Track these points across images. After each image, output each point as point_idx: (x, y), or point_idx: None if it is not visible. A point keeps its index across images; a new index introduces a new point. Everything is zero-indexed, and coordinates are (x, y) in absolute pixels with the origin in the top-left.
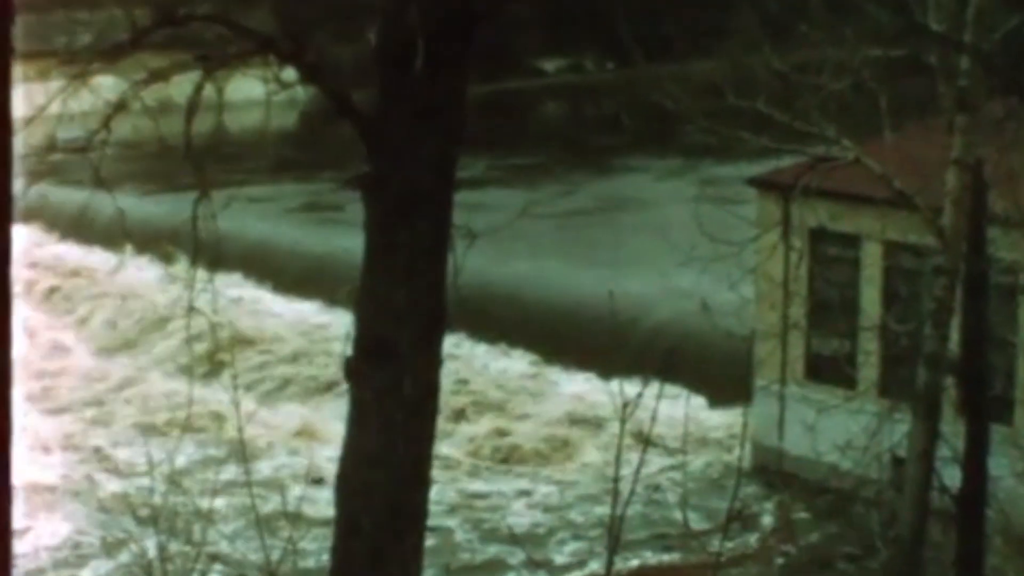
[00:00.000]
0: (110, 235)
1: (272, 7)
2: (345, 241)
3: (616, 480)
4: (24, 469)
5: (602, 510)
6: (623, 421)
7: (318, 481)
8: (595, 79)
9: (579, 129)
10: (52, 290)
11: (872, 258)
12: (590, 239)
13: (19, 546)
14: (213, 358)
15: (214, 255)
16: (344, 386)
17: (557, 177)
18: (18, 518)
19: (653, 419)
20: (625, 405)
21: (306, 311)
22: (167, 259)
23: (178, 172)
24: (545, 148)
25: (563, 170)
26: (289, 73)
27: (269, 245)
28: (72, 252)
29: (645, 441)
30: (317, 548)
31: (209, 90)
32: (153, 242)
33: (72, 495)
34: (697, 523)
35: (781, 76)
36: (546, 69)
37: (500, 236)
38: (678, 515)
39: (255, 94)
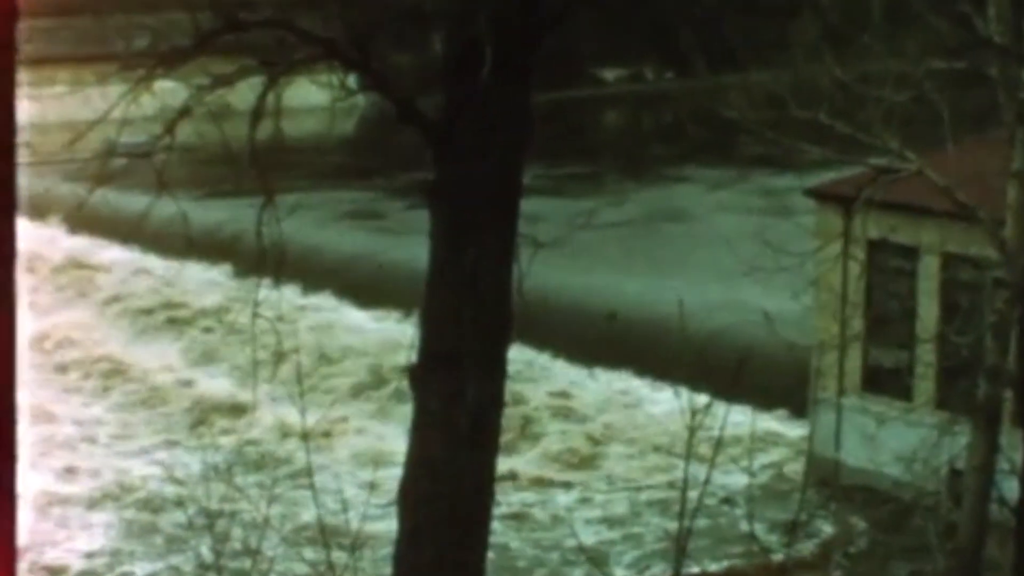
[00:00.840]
0: (162, 240)
1: (338, 13)
2: (393, 250)
3: (684, 490)
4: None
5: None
6: (692, 430)
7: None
8: (654, 89)
9: (635, 139)
10: (112, 296)
11: (930, 270)
12: (637, 250)
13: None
14: (278, 364)
15: (278, 260)
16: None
17: (606, 187)
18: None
19: (722, 430)
20: (694, 414)
21: (361, 318)
22: (227, 264)
23: (231, 177)
24: (598, 158)
25: (613, 180)
26: (348, 78)
27: (323, 252)
28: (128, 256)
29: (713, 452)
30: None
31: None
32: (209, 247)
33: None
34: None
35: (843, 87)
36: (606, 78)
37: (550, 246)
38: (732, 524)
39: (312, 100)
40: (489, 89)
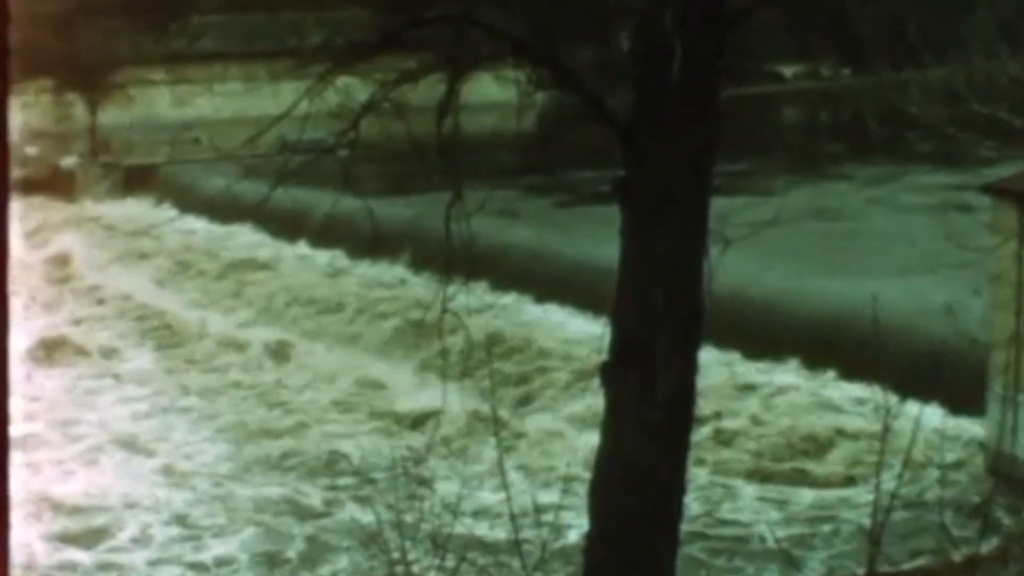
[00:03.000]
0: (334, 235)
1: (523, 9)
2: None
3: (877, 485)
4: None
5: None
6: (885, 428)
7: None
8: (831, 85)
9: (802, 136)
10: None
11: None
12: (802, 247)
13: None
14: (467, 363)
15: (469, 258)
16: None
17: (757, 185)
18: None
19: (916, 426)
20: (887, 411)
21: (544, 314)
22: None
23: (400, 174)
24: (759, 155)
25: (765, 177)
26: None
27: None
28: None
29: (907, 449)
30: None
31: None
32: (386, 245)
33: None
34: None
35: (1017, 82)
36: (784, 75)
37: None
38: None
39: (491, 95)
40: (678, 85)
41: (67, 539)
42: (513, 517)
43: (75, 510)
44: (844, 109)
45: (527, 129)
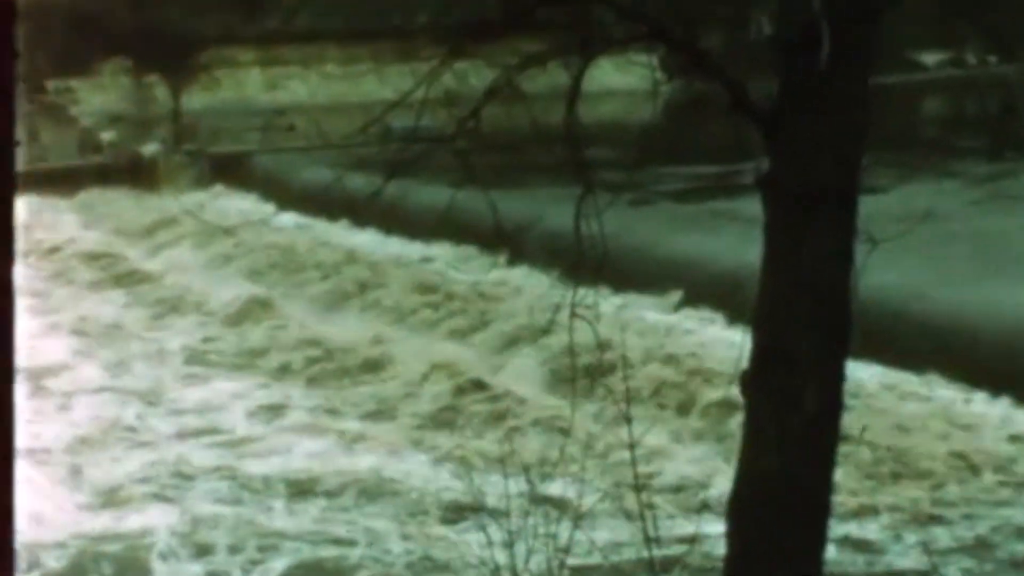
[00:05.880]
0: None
1: None
2: None
3: None
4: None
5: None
6: None
7: None
8: (976, 74)
9: (931, 127)
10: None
11: None
12: (910, 248)
13: None
14: (593, 369)
15: (599, 258)
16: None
17: (867, 181)
18: None
19: None
20: None
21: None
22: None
23: (512, 166)
24: (880, 149)
25: (876, 174)
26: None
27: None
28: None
29: None
30: None
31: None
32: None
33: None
34: None
35: None
36: (926, 63)
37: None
38: None
39: (610, 83)
40: (827, 73)
41: None
42: (647, 538)
43: None
44: (986, 99)
45: (654, 120)
